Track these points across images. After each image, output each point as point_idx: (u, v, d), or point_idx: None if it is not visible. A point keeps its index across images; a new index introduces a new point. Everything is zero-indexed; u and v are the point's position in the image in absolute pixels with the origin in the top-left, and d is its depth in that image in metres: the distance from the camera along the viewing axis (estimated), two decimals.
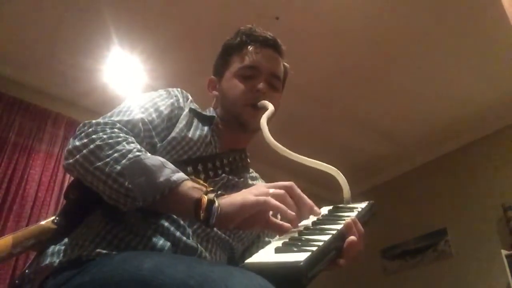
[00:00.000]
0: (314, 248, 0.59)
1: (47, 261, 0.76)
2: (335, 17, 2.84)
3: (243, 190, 0.75)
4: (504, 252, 3.19)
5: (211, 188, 0.72)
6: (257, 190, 0.71)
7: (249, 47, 1.03)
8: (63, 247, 0.78)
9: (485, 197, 3.64)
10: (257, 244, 1.00)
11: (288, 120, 3.60)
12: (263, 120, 0.89)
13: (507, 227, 3.36)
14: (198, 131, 0.94)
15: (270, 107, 0.94)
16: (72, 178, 0.84)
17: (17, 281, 0.81)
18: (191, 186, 0.72)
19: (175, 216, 0.82)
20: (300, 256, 0.56)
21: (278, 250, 0.61)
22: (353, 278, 3.85)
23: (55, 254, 0.77)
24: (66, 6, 2.75)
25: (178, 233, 0.80)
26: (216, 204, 0.68)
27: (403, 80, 3.35)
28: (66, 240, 0.80)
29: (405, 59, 3.15)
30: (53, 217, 0.89)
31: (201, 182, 0.74)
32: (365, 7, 2.75)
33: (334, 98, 3.55)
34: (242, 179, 0.99)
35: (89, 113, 3.52)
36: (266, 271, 0.57)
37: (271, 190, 0.70)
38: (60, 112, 3.40)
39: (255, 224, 0.72)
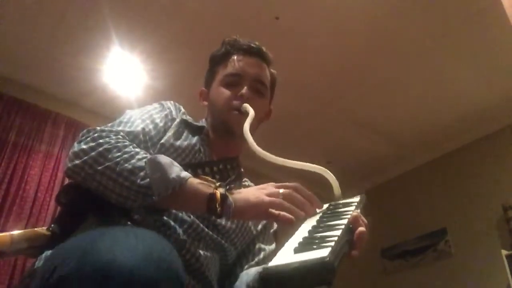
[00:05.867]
0: (332, 243, 0.60)
1: (39, 264, 0.77)
2: (335, 17, 2.84)
3: (253, 188, 0.81)
4: (504, 252, 3.20)
5: (220, 183, 0.76)
6: (268, 190, 0.77)
7: (233, 56, 1.06)
8: None
9: (485, 197, 3.64)
10: (253, 251, 1.01)
11: (287, 119, 3.60)
12: (246, 127, 0.92)
13: (507, 227, 3.36)
14: (187, 140, 0.97)
15: (251, 112, 0.96)
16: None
17: None
18: (199, 182, 0.76)
19: (165, 218, 0.84)
20: (322, 252, 0.57)
21: (297, 251, 0.62)
22: (353, 278, 3.85)
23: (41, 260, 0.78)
24: (66, 6, 2.75)
25: (168, 232, 0.82)
26: (230, 199, 0.73)
27: (403, 80, 3.35)
28: None
29: (405, 59, 3.15)
30: (49, 226, 0.90)
31: (209, 179, 0.78)
32: (365, 7, 2.75)
33: (334, 98, 3.55)
34: (233, 185, 1.00)
35: (89, 113, 3.52)
36: (291, 272, 0.57)
37: (281, 191, 0.76)
38: (60, 112, 3.40)
39: (261, 218, 0.79)
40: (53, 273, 0.51)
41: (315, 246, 0.61)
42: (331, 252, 0.57)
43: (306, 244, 0.64)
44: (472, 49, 3.05)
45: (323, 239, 0.63)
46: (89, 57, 3.11)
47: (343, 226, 0.68)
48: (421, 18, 2.83)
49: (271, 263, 0.61)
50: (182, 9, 2.80)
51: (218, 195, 0.73)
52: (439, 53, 3.08)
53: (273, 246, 1.06)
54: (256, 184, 1.11)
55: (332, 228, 0.69)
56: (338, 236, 0.63)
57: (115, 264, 0.48)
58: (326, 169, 0.82)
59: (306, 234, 0.69)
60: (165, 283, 0.51)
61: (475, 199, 3.72)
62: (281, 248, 0.66)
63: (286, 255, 0.62)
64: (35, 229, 0.92)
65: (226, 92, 1.02)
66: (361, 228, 0.70)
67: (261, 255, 1.00)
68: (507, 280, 3.10)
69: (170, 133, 0.96)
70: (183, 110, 1.06)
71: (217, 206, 0.72)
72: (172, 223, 0.84)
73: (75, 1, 2.73)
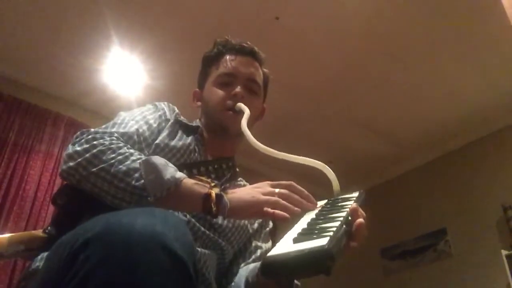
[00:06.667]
0: (331, 233, 0.61)
1: (34, 266, 0.78)
2: (335, 17, 2.83)
3: (248, 187, 0.82)
4: (504, 252, 3.19)
5: (215, 183, 0.77)
6: (264, 189, 0.78)
7: (225, 56, 1.07)
8: None
9: (485, 197, 3.64)
10: (249, 249, 1.02)
11: (287, 119, 3.61)
12: (243, 124, 0.92)
13: (507, 227, 3.36)
14: (181, 140, 0.98)
15: (246, 111, 0.97)
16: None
17: None
18: (194, 182, 0.77)
19: None
20: (321, 241, 0.58)
21: (296, 240, 0.62)
22: (353, 278, 3.85)
23: (43, 259, 0.78)
24: (66, 6, 2.75)
25: None
26: (225, 198, 0.74)
27: (403, 80, 3.35)
28: None
29: (405, 59, 3.15)
30: (45, 228, 0.90)
31: (204, 179, 0.78)
32: (364, 7, 2.75)
33: (334, 98, 3.55)
34: (228, 185, 1.01)
35: (89, 113, 3.52)
36: (290, 260, 0.58)
37: (277, 190, 0.77)
38: (60, 112, 3.40)
39: (257, 217, 0.80)
40: (78, 240, 0.52)
41: (314, 236, 0.62)
42: (330, 241, 0.58)
43: (305, 235, 0.64)
44: (472, 49, 3.04)
45: (322, 230, 0.64)
46: (89, 57, 3.11)
47: (341, 218, 0.69)
48: (420, 18, 2.82)
49: (270, 253, 0.61)
50: (182, 9, 2.80)
51: (213, 195, 0.74)
52: (439, 52, 3.08)
53: (269, 244, 1.06)
54: (251, 183, 1.12)
55: (331, 219, 0.70)
56: (337, 226, 0.64)
57: (136, 223, 0.52)
58: (325, 165, 0.83)
59: (305, 226, 0.70)
60: (181, 239, 0.54)
61: (475, 199, 3.72)
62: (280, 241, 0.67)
63: (285, 245, 0.63)
64: (32, 231, 0.93)
65: (219, 92, 1.03)
66: (360, 220, 0.71)
67: (258, 253, 1.01)
68: (507, 280, 3.10)
69: (164, 133, 0.96)
70: (177, 110, 1.06)
71: (213, 206, 0.73)
72: None
73: (75, 1, 2.73)
